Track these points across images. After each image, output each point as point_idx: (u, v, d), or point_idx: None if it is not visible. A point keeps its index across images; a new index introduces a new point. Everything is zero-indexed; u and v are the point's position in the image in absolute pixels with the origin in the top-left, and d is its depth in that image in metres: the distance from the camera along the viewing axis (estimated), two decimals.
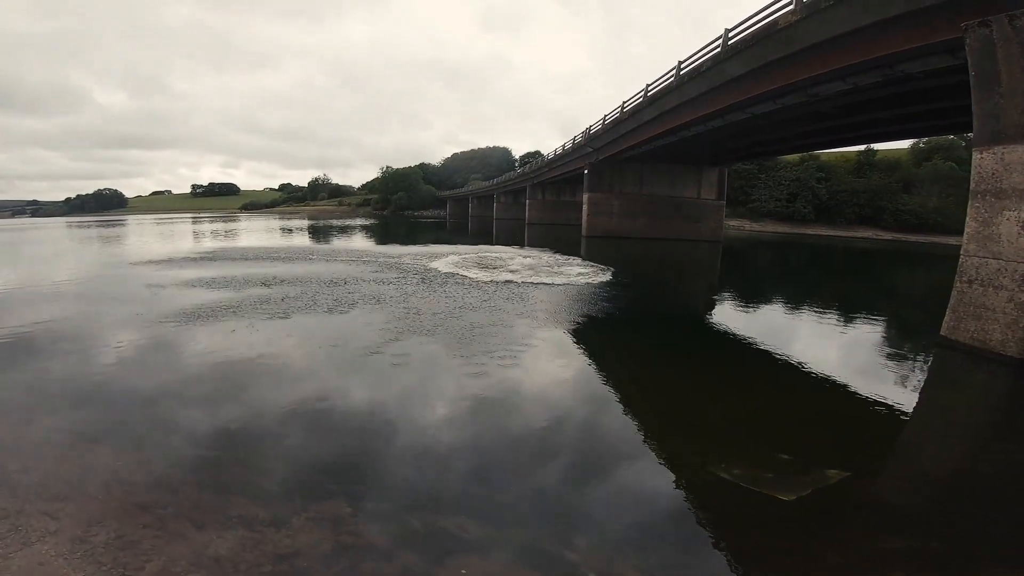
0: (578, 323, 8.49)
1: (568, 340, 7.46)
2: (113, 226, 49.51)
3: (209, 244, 25.10)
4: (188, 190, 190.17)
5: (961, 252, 7.89)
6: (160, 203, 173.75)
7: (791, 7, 11.72)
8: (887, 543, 3.17)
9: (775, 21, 12.34)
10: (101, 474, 3.58)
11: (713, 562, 2.98)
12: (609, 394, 5.54)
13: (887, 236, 49.88)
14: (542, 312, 9.23)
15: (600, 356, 6.89)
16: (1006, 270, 7.17)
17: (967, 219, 7.90)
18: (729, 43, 14.68)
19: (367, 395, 5.20)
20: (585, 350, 7.02)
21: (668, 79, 19.19)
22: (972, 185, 7.77)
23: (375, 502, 3.34)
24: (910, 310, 13.34)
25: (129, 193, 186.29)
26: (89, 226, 51.55)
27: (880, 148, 55.08)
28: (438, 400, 5.19)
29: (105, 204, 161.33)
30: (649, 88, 21.18)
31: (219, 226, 45.13)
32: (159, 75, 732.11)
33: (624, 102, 24.59)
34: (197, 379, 5.53)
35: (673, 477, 3.89)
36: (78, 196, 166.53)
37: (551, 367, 6.22)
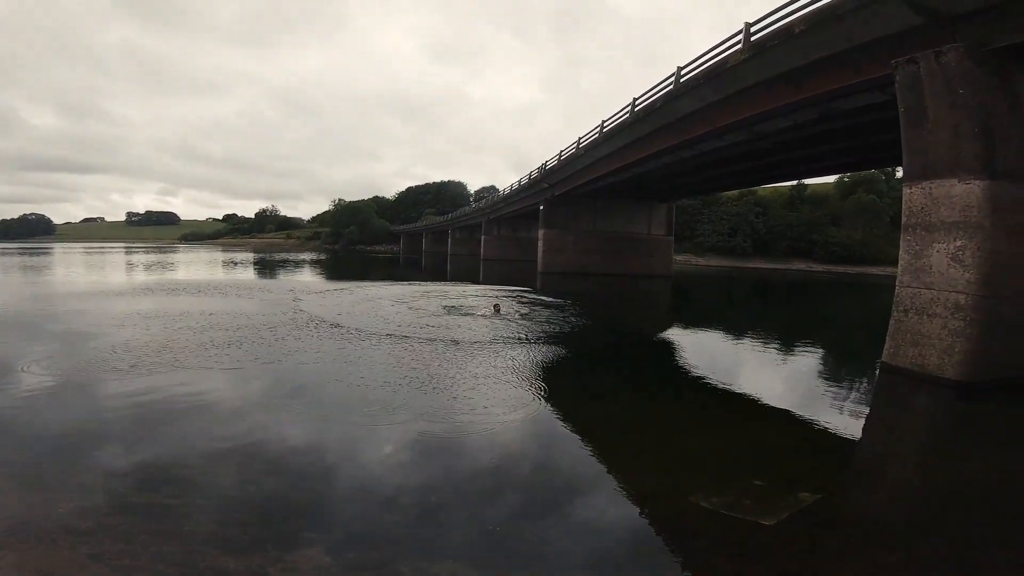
0: (546, 358, 8.39)
1: (538, 375, 7.34)
2: (37, 254, 46.00)
3: (141, 278, 23.73)
4: (122, 218, 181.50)
5: (896, 283, 8.39)
6: (92, 231, 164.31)
7: (739, 47, 12.41)
8: (883, 558, 3.23)
9: (725, 60, 13.02)
10: (41, 522, 3.19)
11: None
12: (576, 431, 5.41)
13: (819, 268, 53.11)
14: (511, 347, 9.16)
15: (568, 393, 6.80)
16: (939, 299, 7.68)
17: (900, 251, 8.44)
18: (681, 81, 15.34)
19: (338, 442, 4.91)
20: (555, 387, 6.90)
21: (623, 115, 19.85)
22: (903, 219, 8.34)
23: (357, 550, 3.11)
24: (851, 338, 14.12)
25: (56, 219, 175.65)
26: (10, 253, 47.75)
27: (810, 183, 59.22)
28: (408, 440, 4.98)
29: (31, 230, 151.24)
30: (605, 124, 21.86)
31: (153, 258, 42.64)
32: (92, 97, 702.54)
33: (580, 138, 25.33)
34: (138, 422, 5.06)
35: (656, 510, 3.84)
36: (2, 221, 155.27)
37: (521, 405, 6.06)
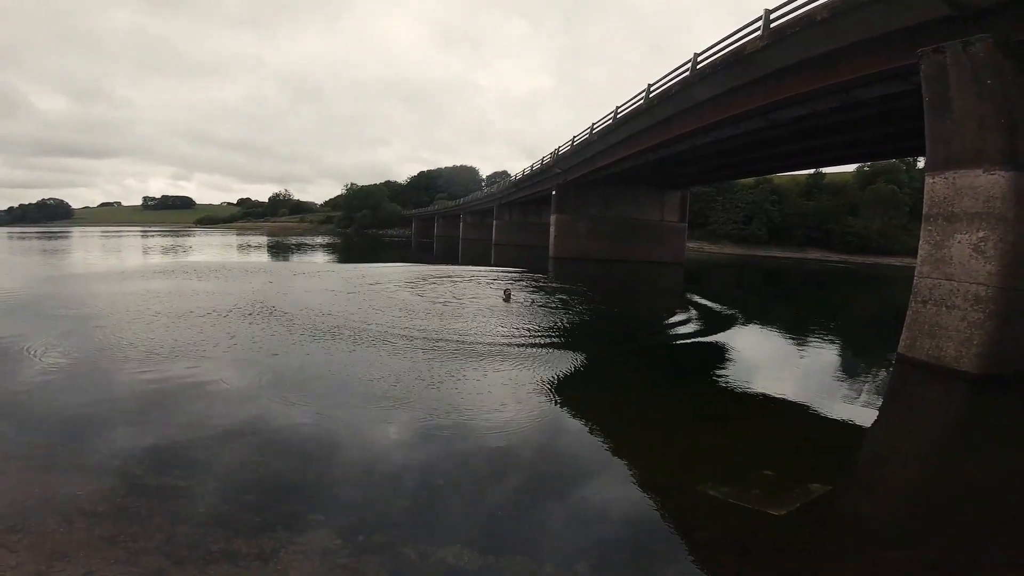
0: (555, 350, 8.27)
1: (546, 366, 7.28)
2: (56, 238, 46.79)
3: (160, 261, 24.04)
4: (139, 202, 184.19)
5: (915, 273, 8.27)
6: (110, 215, 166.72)
7: (758, 33, 12.16)
8: (887, 554, 3.21)
9: (743, 47, 12.77)
10: (57, 504, 3.26)
11: None
12: (584, 423, 5.37)
13: (835, 257, 52.33)
14: (509, 328, 9.14)
15: (576, 385, 6.68)
16: (958, 291, 7.55)
17: (920, 242, 8.29)
18: (698, 67, 15.10)
19: (346, 430, 4.94)
20: (563, 378, 6.82)
21: (638, 101, 19.64)
22: (925, 209, 8.18)
23: (366, 533, 3.14)
24: (867, 329, 13.94)
25: (74, 204, 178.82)
26: (29, 237, 48.62)
27: (828, 172, 58.12)
28: (414, 425, 5.01)
29: (50, 215, 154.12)
30: (619, 110, 21.65)
31: (170, 242, 43.17)
32: (100, 82, 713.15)
33: (594, 123, 25.11)
34: (150, 403, 5.14)
35: (665, 499, 3.83)
36: (20, 206, 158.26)
37: (528, 395, 6.03)
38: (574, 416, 5.56)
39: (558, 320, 10.60)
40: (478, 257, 33.15)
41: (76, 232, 69.37)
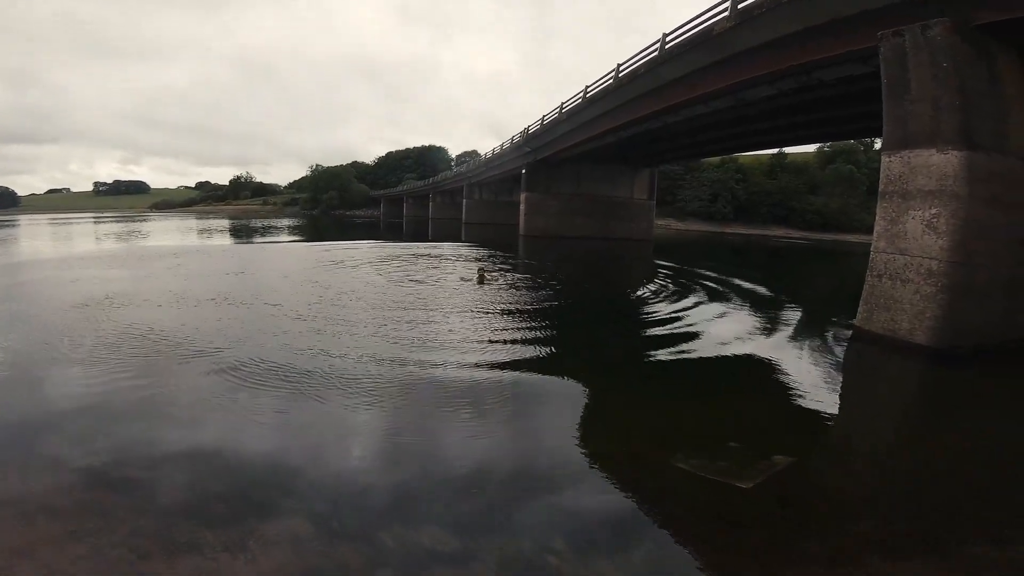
0: (532, 330, 8.26)
1: (525, 347, 7.28)
2: (8, 226, 44.19)
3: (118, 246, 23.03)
4: (88, 188, 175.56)
5: (872, 248, 8.53)
6: (59, 202, 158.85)
7: (726, 14, 12.26)
8: (857, 526, 3.30)
9: (711, 27, 12.88)
10: (17, 500, 3.14)
11: (697, 556, 2.98)
12: (559, 402, 5.39)
13: (797, 234, 54.01)
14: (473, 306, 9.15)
15: (552, 366, 6.62)
16: (912, 265, 7.84)
17: (876, 218, 8.55)
18: (666, 48, 15.19)
19: (315, 415, 4.84)
20: (540, 359, 6.82)
21: (607, 81, 19.60)
22: (881, 186, 8.43)
23: (338, 519, 3.11)
24: (825, 303, 14.41)
25: (18, 192, 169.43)
26: None
27: (789, 151, 59.62)
28: (387, 407, 4.97)
29: None
30: (588, 89, 21.59)
31: (128, 227, 41.32)
32: (30, 67, 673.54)
33: (563, 103, 24.98)
34: (109, 392, 4.95)
35: (636, 472, 3.88)
36: None
37: (504, 376, 6.02)
38: (548, 396, 5.58)
39: (533, 300, 10.64)
40: (448, 236, 32.84)
41: (24, 220, 65.63)
